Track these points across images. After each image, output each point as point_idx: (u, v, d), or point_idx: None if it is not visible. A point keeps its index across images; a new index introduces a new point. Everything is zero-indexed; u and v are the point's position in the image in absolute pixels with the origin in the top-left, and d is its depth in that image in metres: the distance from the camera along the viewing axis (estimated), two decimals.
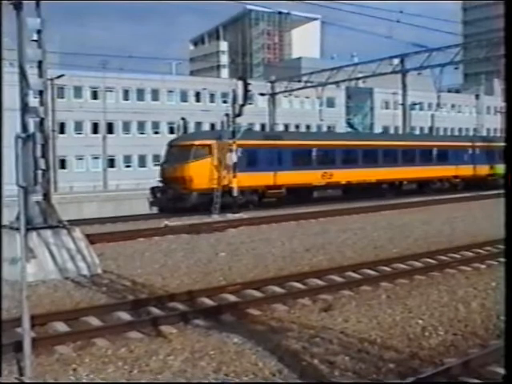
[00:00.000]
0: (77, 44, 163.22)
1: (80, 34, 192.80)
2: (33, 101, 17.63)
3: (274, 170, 38.77)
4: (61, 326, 11.90)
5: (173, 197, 35.41)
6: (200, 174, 35.48)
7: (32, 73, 17.48)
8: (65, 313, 12.79)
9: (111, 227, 28.06)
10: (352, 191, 43.18)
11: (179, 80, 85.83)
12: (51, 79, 43.50)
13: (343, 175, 42.72)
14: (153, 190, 37.62)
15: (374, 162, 45.30)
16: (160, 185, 37.43)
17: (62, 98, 70.29)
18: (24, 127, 16.81)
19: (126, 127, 79.40)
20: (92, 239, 19.35)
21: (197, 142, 37.02)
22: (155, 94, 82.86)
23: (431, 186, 48.85)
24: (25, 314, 8.77)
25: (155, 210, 37.23)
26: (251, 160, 37.93)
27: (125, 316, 12.55)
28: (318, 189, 41.60)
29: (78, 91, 77.31)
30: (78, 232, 17.71)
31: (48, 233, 17.00)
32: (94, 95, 78.67)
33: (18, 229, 16.16)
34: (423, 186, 48.48)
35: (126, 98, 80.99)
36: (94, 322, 12.22)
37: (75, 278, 16.29)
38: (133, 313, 12.74)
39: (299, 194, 39.53)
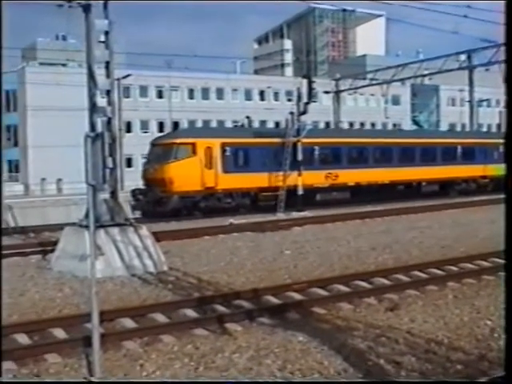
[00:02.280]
0: (142, 44, 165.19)
1: (145, 34, 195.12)
2: (100, 101, 17.90)
3: (269, 170, 35.97)
4: (128, 322, 12.07)
5: (153, 200, 33.16)
6: (182, 175, 32.97)
7: (100, 73, 17.78)
8: (132, 309, 12.96)
9: (176, 225, 28.36)
10: (362, 193, 39.71)
11: (244, 79, 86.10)
12: (118, 79, 44.14)
13: (351, 176, 39.48)
14: (133, 192, 35.13)
15: (388, 161, 41.90)
16: (142, 187, 35.51)
17: (128, 97, 71.19)
18: (92, 126, 17.11)
19: (192, 126, 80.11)
20: (158, 237, 19.56)
21: (178, 141, 34.64)
22: (220, 93, 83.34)
23: (455, 188, 45.55)
24: (94, 310, 8.92)
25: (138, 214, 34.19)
26: (241, 160, 35.77)
27: (191, 313, 12.66)
28: (322, 191, 38.49)
29: (143, 91, 78.29)
30: (144, 230, 17.95)
31: (115, 230, 17.28)
32: (160, 94, 79.57)
33: (86, 226, 16.56)
34: (446, 187, 45.05)
35: (190, 96, 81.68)
36: (161, 318, 12.36)
37: (142, 275, 16.52)
38: (198, 310, 12.83)
39: (301, 196, 35.86)
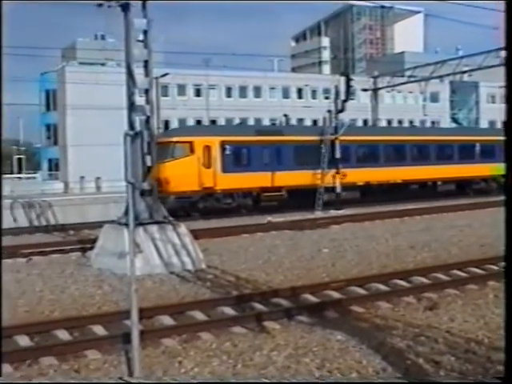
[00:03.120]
0: (180, 43, 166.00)
1: (183, 33, 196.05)
2: (139, 99, 17.99)
3: (272, 169, 34.60)
4: (167, 320, 12.15)
5: None
6: (178, 174, 31.49)
7: (138, 72, 17.88)
8: (171, 307, 13.05)
9: (215, 223, 28.43)
10: (374, 193, 38.29)
11: (281, 77, 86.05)
12: (156, 78, 44.41)
13: (360, 175, 37.84)
14: None
15: (401, 159, 40.16)
16: None
17: (166, 96, 71.60)
18: (131, 125, 17.21)
19: (229, 124, 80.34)
20: (196, 235, 19.65)
21: (175, 139, 33.20)
22: (257, 91, 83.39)
23: (473, 187, 43.99)
24: (133, 307, 8.98)
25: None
26: (242, 158, 34.36)
27: (229, 311, 12.70)
28: (329, 190, 36.21)
29: (181, 89, 78.64)
30: (182, 227, 18.04)
31: (154, 228, 17.39)
32: (198, 93, 79.88)
33: (125, 224, 16.71)
34: (463, 187, 43.42)
35: (228, 95, 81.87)
36: (199, 316, 12.41)
37: (180, 273, 16.62)
38: (237, 308, 12.87)
39: (305, 197, 34.44)
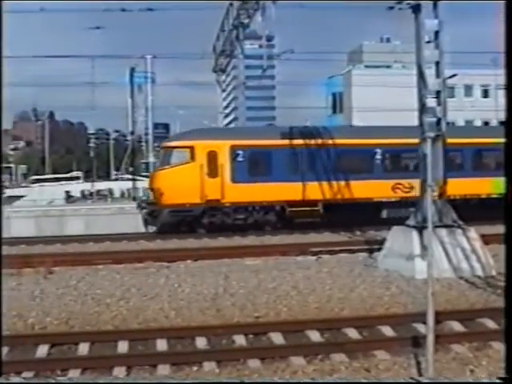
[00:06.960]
0: (467, 42, 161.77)
1: (471, 32, 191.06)
2: (429, 101, 17.83)
3: (302, 179, 28.68)
4: (456, 326, 11.97)
5: (146, 213, 29.27)
6: (173, 185, 27.79)
7: (428, 73, 17.75)
8: (460, 312, 12.86)
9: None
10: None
11: None
12: (444, 79, 43.73)
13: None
14: (139, 204, 31.47)
15: (492, 168, 30.29)
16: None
17: (453, 97, 70.17)
18: (422, 127, 17.10)
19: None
20: (485, 240, 18.98)
21: (173, 144, 29.55)
22: None
23: None
24: (429, 311, 8.89)
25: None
26: (260, 166, 29.15)
27: None
28: (388, 206, 29.60)
29: (468, 90, 76.74)
30: (472, 232, 17.56)
31: (443, 232, 17.07)
32: (485, 93, 77.42)
33: (414, 226, 16.76)
34: None
35: None
36: (490, 324, 12.08)
37: (469, 278, 16.19)
38: None
39: (353, 213, 28.51)
